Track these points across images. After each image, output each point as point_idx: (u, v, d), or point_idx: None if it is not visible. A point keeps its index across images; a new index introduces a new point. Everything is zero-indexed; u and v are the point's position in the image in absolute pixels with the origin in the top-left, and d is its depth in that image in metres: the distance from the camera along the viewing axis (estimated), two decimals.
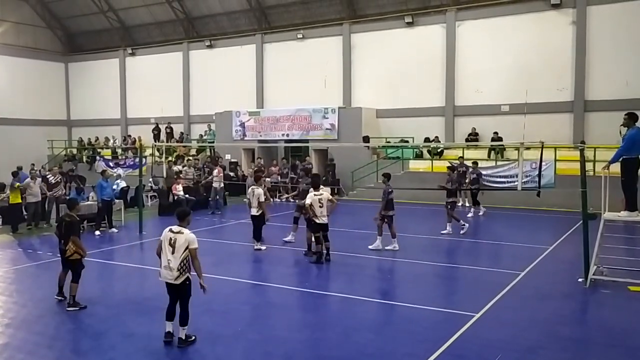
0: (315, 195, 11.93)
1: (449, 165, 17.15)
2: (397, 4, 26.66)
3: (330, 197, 12.41)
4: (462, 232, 15.04)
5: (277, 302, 9.30)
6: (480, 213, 18.59)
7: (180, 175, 21.25)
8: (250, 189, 13.50)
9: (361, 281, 11.08)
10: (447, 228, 15.18)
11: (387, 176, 13.34)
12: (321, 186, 12.60)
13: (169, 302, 7.26)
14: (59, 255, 9.12)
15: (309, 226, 12.28)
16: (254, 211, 13.06)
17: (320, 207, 11.82)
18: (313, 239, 12.22)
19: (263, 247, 13.18)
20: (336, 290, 9.88)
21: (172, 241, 7.09)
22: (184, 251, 7.03)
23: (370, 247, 13.06)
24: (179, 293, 7.16)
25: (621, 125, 9.82)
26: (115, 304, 8.75)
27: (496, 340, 7.34)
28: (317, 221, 11.80)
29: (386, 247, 12.95)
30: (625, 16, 21.62)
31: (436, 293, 9.95)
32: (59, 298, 9.12)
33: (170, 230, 7.21)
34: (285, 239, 14.12)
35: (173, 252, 7.06)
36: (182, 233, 7.14)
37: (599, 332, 7.80)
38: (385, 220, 12.90)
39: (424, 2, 26.12)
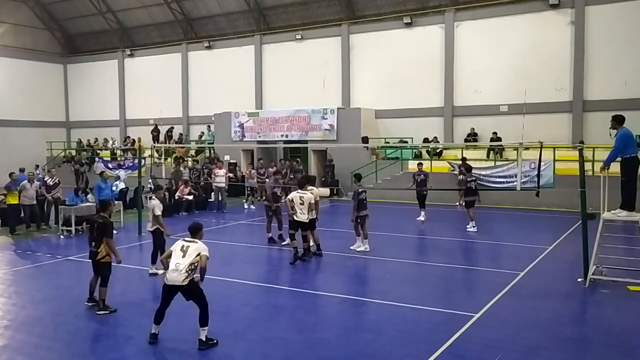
0: (297, 192, 12.10)
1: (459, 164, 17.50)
2: (395, 4, 26.69)
3: (316, 199, 12.37)
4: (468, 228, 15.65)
5: (276, 303, 9.29)
6: (421, 218, 17.87)
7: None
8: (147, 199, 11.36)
9: (360, 282, 11.09)
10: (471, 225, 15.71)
11: (357, 177, 13.38)
12: (310, 187, 12.63)
13: (161, 305, 7.26)
14: (89, 258, 8.92)
15: (290, 225, 12.27)
16: (149, 226, 10.96)
17: (300, 204, 11.89)
18: (310, 239, 12.19)
19: (160, 272, 10.33)
20: (336, 291, 9.87)
21: (185, 248, 7.23)
22: (195, 256, 7.13)
23: (351, 247, 13.00)
24: (190, 294, 7.17)
25: (610, 128, 9.98)
26: (114, 305, 8.72)
27: (496, 340, 7.34)
28: (295, 218, 11.90)
29: (357, 249, 12.87)
30: (623, 16, 21.65)
31: (436, 293, 9.93)
32: (90, 304, 8.86)
33: (184, 240, 7.38)
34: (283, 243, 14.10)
35: (183, 257, 7.15)
36: (196, 242, 7.31)
37: (598, 332, 7.80)
38: (358, 220, 12.83)
39: (423, 2, 26.15)
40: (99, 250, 8.66)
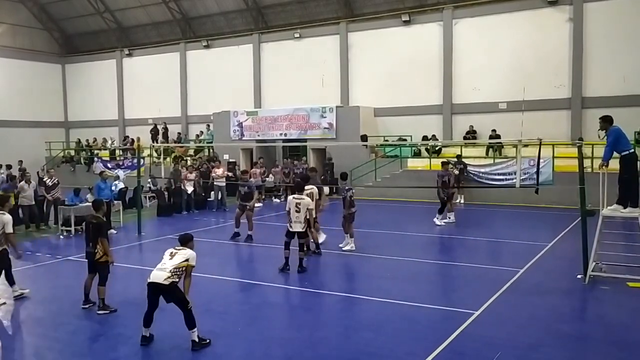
0: (294, 198, 11.17)
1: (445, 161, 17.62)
2: (393, 2, 26.65)
3: (316, 198, 12.10)
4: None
5: (276, 302, 9.30)
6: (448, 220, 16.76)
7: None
8: None
9: (360, 280, 11.10)
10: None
11: (343, 176, 13.39)
12: (308, 186, 12.07)
13: (148, 307, 7.20)
14: (86, 258, 8.90)
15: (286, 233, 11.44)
16: None
17: (296, 211, 10.97)
18: (310, 239, 12.14)
19: (25, 291, 9.58)
20: (335, 290, 9.89)
21: (173, 253, 7.25)
22: (183, 262, 7.12)
23: (340, 245, 12.94)
24: (171, 296, 7.09)
25: (598, 129, 10.03)
26: (114, 305, 8.73)
27: (496, 337, 7.35)
28: (289, 229, 11.09)
29: (343, 248, 12.78)
30: (621, 12, 21.64)
31: (436, 291, 9.95)
32: (86, 306, 8.78)
33: (174, 248, 7.39)
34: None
35: (170, 259, 7.17)
36: (185, 250, 7.31)
37: (598, 329, 7.82)
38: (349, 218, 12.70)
39: (421, 0, 26.12)
40: (96, 250, 8.66)
